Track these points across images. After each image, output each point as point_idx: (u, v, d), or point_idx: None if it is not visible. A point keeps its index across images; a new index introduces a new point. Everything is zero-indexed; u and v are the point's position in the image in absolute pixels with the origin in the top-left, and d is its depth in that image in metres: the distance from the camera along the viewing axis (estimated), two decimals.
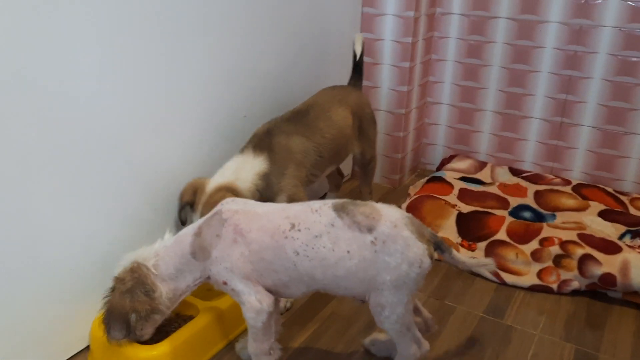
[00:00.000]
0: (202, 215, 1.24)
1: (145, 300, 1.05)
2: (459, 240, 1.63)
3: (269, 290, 1.07)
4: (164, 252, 1.08)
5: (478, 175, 2.01)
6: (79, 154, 1.11)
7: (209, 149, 1.44)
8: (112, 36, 1.11)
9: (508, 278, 1.52)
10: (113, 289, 1.08)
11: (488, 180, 1.99)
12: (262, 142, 1.37)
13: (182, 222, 1.34)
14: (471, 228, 1.66)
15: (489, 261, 1.13)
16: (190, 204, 1.32)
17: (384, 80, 1.97)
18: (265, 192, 1.33)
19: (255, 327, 1.06)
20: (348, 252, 1.02)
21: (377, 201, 1.06)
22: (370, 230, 1.02)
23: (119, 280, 1.07)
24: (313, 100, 1.54)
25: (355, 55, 1.70)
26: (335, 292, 1.07)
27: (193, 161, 1.41)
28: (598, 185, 1.92)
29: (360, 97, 1.66)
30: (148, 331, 1.11)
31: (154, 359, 1.12)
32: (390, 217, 1.03)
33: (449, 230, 1.66)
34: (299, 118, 1.45)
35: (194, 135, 1.39)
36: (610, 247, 1.51)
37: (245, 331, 1.26)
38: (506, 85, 2.01)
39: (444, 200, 1.78)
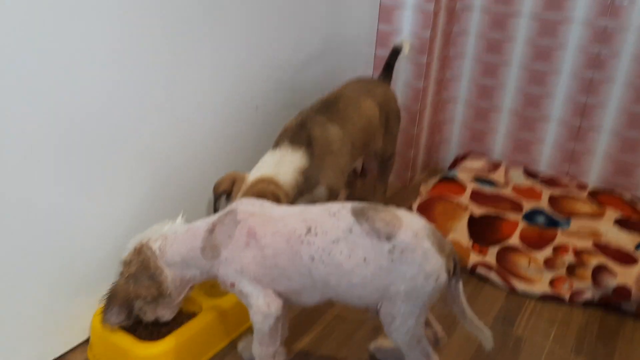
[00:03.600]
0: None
1: (151, 285, 1.03)
2: (470, 244, 1.59)
3: (279, 295, 1.03)
4: (173, 238, 1.06)
5: (492, 176, 1.97)
6: (88, 146, 1.08)
7: (224, 139, 1.41)
8: (125, 25, 1.08)
9: (519, 285, 1.48)
10: (121, 273, 1.05)
11: (501, 181, 1.95)
12: (298, 135, 1.34)
13: (216, 211, 1.30)
14: (483, 232, 1.62)
15: (488, 333, 1.07)
16: (227, 194, 1.29)
17: (400, 75, 1.92)
18: (304, 186, 1.31)
19: (262, 330, 1.03)
20: (364, 259, 0.98)
21: (387, 199, 1.01)
22: (389, 238, 0.98)
23: (125, 263, 1.04)
24: (340, 91, 1.51)
25: (393, 54, 1.68)
26: (347, 300, 1.03)
27: (208, 152, 1.38)
28: (614, 192, 1.87)
29: (387, 91, 1.63)
30: (164, 313, 1.08)
31: (156, 356, 1.09)
32: (412, 226, 0.99)
33: (460, 233, 1.62)
34: (328, 107, 1.42)
35: (209, 126, 1.36)
36: (626, 258, 1.47)
37: (247, 330, 1.24)
38: (525, 85, 1.96)
39: (456, 202, 1.74)
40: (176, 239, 1.05)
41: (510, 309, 1.43)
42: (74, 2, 0.98)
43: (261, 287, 1.02)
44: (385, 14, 1.90)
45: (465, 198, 1.79)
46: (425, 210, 1.69)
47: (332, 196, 1.38)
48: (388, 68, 1.70)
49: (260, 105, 1.51)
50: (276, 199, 1.22)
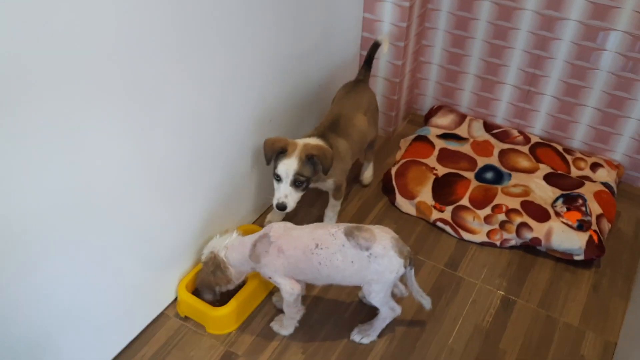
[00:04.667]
0: (299, 156, 1.70)
1: (223, 277, 1.65)
2: (433, 203, 2.17)
3: (298, 281, 1.65)
4: (232, 248, 1.65)
5: (457, 131, 2.48)
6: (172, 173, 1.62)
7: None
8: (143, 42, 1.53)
9: (465, 235, 2.09)
10: (201, 269, 1.67)
11: (465, 135, 2.46)
12: (323, 136, 1.83)
13: (267, 161, 1.75)
14: (443, 193, 2.19)
15: (428, 300, 1.68)
16: (283, 151, 1.71)
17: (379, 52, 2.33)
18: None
19: (290, 302, 1.67)
20: (352, 262, 1.57)
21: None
22: (367, 248, 1.56)
23: (205, 264, 1.65)
24: (338, 110, 1.96)
25: (372, 48, 2.09)
26: (342, 284, 1.65)
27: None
28: (552, 143, 2.39)
29: (370, 95, 2.09)
30: (230, 288, 1.71)
31: (223, 316, 1.74)
32: (382, 241, 1.56)
33: (425, 195, 2.19)
34: (335, 125, 1.90)
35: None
36: (542, 215, 2.05)
37: (275, 288, 1.88)
38: (486, 56, 2.38)
39: (425, 164, 2.29)
40: (234, 249, 1.64)
41: (457, 255, 2.05)
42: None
43: (287, 278, 1.64)
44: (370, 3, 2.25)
45: (432, 159, 2.32)
46: (400, 175, 2.24)
47: (337, 187, 1.93)
48: (368, 60, 2.13)
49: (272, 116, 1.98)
50: (329, 151, 1.72)
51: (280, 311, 1.81)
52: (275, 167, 1.74)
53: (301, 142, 1.76)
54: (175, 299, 1.85)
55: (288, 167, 1.71)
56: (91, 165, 1.32)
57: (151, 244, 1.64)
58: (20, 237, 1.23)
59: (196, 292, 1.79)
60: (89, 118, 1.27)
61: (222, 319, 1.74)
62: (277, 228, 1.64)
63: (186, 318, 1.80)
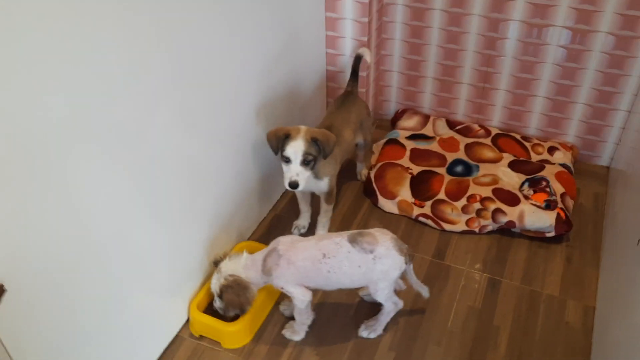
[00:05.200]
0: (305, 138, 1.82)
1: (250, 296, 1.73)
2: (413, 200, 2.33)
3: (308, 288, 1.76)
4: (248, 269, 1.73)
5: (423, 131, 2.65)
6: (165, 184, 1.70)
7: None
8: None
9: (446, 226, 2.26)
10: (220, 294, 1.73)
11: (431, 134, 2.64)
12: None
13: (275, 150, 1.87)
14: (421, 190, 2.35)
15: (426, 289, 1.83)
16: (287, 136, 1.83)
17: (347, 50, 2.48)
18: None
19: (301, 309, 1.78)
20: (359, 266, 1.70)
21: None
22: (371, 251, 1.69)
23: (228, 287, 1.70)
24: (330, 122, 2.10)
25: (356, 61, 2.24)
26: (349, 286, 1.78)
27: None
28: (510, 133, 2.60)
29: (360, 106, 2.25)
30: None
31: (236, 331, 1.83)
32: (384, 242, 1.70)
33: (405, 194, 2.35)
34: None
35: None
36: (513, 200, 2.24)
37: (282, 296, 1.98)
38: (442, 59, 2.57)
39: (400, 165, 2.45)
40: (249, 268, 1.73)
41: (441, 246, 2.21)
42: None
43: (298, 286, 1.75)
44: (331, 3, 2.38)
45: (406, 160, 2.49)
46: (380, 177, 2.40)
47: (329, 189, 2.07)
48: (354, 73, 2.27)
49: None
50: (332, 136, 1.88)
51: (289, 319, 1.92)
52: (283, 151, 1.85)
53: (303, 127, 1.89)
54: (187, 319, 1.92)
55: (296, 148, 1.83)
56: (91, 202, 1.36)
57: (156, 271, 1.71)
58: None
59: (207, 311, 1.88)
60: (82, 159, 1.32)
61: (237, 333, 1.83)
62: (284, 242, 1.75)
63: (201, 337, 1.88)
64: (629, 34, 2.20)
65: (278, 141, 1.87)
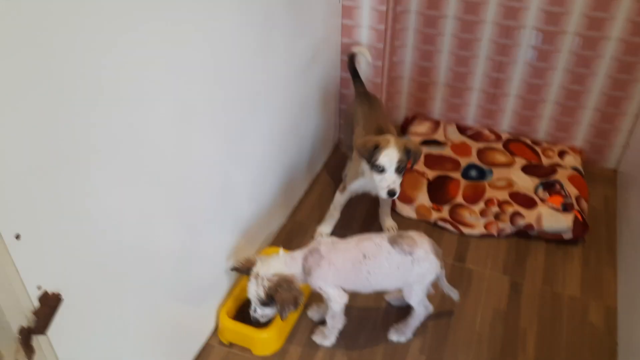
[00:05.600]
0: (397, 146, 1.83)
1: (298, 288, 1.69)
2: (431, 204, 2.35)
3: (345, 291, 1.76)
4: (289, 266, 1.71)
5: (435, 136, 2.68)
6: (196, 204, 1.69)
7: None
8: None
9: (465, 230, 2.28)
10: (269, 295, 1.67)
11: (442, 139, 2.67)
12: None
13: (368, 160, 1.88)
14: (438, 195, 2.38)
15: (456, 292, 1.85)
16: (376, 147, 1.85)
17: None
18: None
19: (336, 311, 1.77)
20: (398, 267, 1.71)
21: None
22: (411, 253, 1.70)
23: (276, 286, 1.65)
24: (375, 123, 2.09)
25: (351, 62, 2.26)
26: (386, 288, 1.79)
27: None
28: (520, 138, 2.65)
29: (382, 105, 2.24)
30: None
31: (267, 338, 1.82)
32: (423, 245, 1.71)
33: (423, 198, 2.37)
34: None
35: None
36: (530, 203, 2.28)
37: (310, 301, 1.98)
38: (454, 65, 2.60)
39: (415, 170, 2.47)
40: (291, 265, 1.71)
41: (461, 249, 2.24)
42: None
43: (336, 288, 1.75)
44: (348, 11, 2.40)
45: (421, 165, 2.51)
46: None
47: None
48: (355, 73, 2.29)
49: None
50: (420, 147, 1.91)
51: (318, 324, 1.92)
52: (375, 160, 1.85)
53: (390, 137, 1.89)
54: (216, 327, 1.91)
55: (391, 157, 1.84)
56: (117, 209, 1.32)
57: (184, 278, 1.68)
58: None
59: (236, 318, 1.86)
60: (98, 161, 1.33)
61: (268, 340, 1.83)
62: (326, 243, 1.75)
63: (231, 344, 1.87)
64: (638, 40, 2.26)
65: (368, 152, 1.87)
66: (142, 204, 1.38)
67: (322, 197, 2.47)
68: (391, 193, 1.86)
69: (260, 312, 1.74)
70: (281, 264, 1.72)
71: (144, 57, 1.25)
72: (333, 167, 2.64)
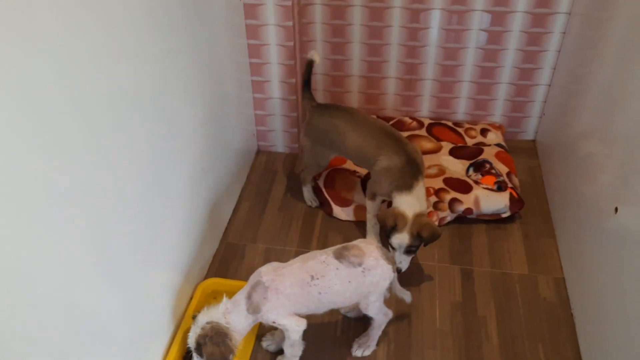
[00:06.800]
0: (410, 232, 1.85)
1: (232, 344, 1.54)
2: None
3: (301, 316, 1.62)
4: (229, 313, 1.55)
5: None
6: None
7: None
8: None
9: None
10: (198, 346, 1.53)
11: None
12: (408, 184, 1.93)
13: (388, 236, 1.89)
14: None
15: (408, 294, 1.77)
16: (394, 227, 1.86)
17: (273, 57, 2.36)
18: None
19: (295, 339, 1.63)
20: (349, 282, 1.59)
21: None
22: (360, 264, 1.59)
23: (204, 336, 1.50)
24: (373, 127, 2.05)
25: (308, 68, 2.09)
26: (342, 305, 1.66)
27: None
28: (442, 122, 2.62)
29: (355, 112, 2.13)
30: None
31: None
32: (371, 252, 1.60)
33: (359, 198, 2.27)
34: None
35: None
36: (465, 187, 2.25)
37: (262, 331, 1.82)
38: (366, 56, 2.52)
39: (346, 170, 2.37)
40: (231, 312, 1.55)
41: None
42: None
43: (291, 316, 1.60)
44: (250, 11, 2.23)
45: (349, 163, 2.41)
46: (330, 187, 2.30)
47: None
48: (307, 83, 2.11)
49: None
50: (437, 230, 1.87)
51: (275, 354, 1.77)
52: (389, 238, 1.90)
53: (410, 214, 1.87)
54: None
55: (401, 241, 1.87)
56: (32, 262, 1.13)
57: (116, 334, 1.47)
58: None
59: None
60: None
61: None
62: (267, 272, 1.59)
63: None
64: (543, 11, 2.29)
65: (386, 228, 1.90)
66: (54, 252, 1.16)
67: (251, 212, 2.31)
68: (398, 271, 1.90)
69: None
70: (220, 312, 1.55)
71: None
72: (257, 178, 2.48)
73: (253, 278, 1.61)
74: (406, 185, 1.91)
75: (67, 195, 1.17)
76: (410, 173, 1.92)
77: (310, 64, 2.10)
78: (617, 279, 1.58)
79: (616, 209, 1.61)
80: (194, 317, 1.59)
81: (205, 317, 1.55)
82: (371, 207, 2.08)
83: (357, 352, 1.78)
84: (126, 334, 1.51)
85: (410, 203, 1.89)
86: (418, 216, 1.88)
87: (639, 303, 1.44)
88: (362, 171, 2.38)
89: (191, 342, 1.57)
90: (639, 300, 1.44)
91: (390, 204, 1.98)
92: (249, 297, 1.57)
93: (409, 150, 1.96)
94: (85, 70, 1.19)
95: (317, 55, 2.10)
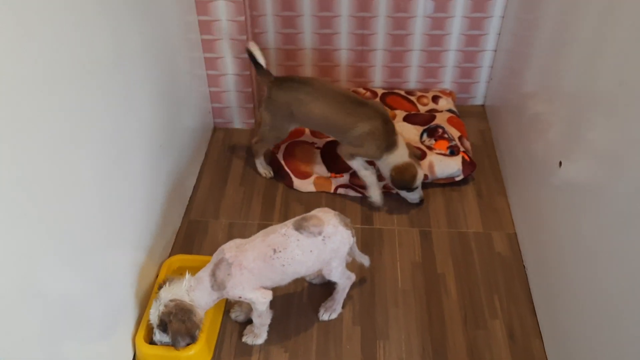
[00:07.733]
0: (410, 149, 2.09)
1: (196, 320, 1.58)
2: (329, 174, 2.30)
3: (267, 288, 1.66)
4: (192, 291, 1.59)
5: None
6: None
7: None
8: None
9: (366, 192, 2.27)
10: (162, 323, 1.56)
11: None
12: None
13: (408, 187, 2.14)
14: (334, 163, 2.33)
15: (366, 258, 1.84)
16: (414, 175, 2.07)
17: (225, 33, 2.35)
18: None
19: (262, 311, 1.67)
20: (311, 251, 1.64)
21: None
22: (320, 233, 1.63)
23: (169, 313, 1.54)
24: (343, 93, 2.13)
25: (250, 56, 2.09)
26: (306, 274, 1.71)
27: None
28: (394, 90, 2.68)
29: (315, 82, 2.16)
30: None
31: (197, 353, 1.67)
32: (329, 220, 1.65)
33: (319, 169, 2.31)
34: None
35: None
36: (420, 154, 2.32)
37: (230, 303, 1.86)
38: (318, 28, 2.54)
39: (304, 142, 2.40)
40: (195, 289, 1.58)
41: (367, 212, 2.23)
42: None
43: (256, 290, 1.64)
44: (202, 6, 2.24)
45: (308, 134, 2.44)
46: (289, 160, 2.33)
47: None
48: (258, 65, 2.09)
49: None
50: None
51: (245, 324, 1.81)
52: (415, 186, 2.14)
53: (414, 159, 2.12)
54: (134, 356, 1.72)
55: (420, 176, 2.13)
56: None
57: (87, 314, 1.48)
58: None
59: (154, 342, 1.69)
60: None
61: (197, 356, 1.68)
62: (229, 248, 1.63)
63: None
64: None
65: (408, 183, 2.12)
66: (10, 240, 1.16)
67: (212, 188, 2.32)
68: (422, 201, 2.21)
69: (159, 337, 1.62)
70: (183, 289, 1.58)
71: None
72: (216, 155, 2.49)
73: (216, 256, 1.64)
74: (392, 143, 2.05)
75: (17, 183, 1.15)
76: (390, 131, 2.05)
77: (250, 53, 2.10)
78: (563, 230, 1.68)
79: (560, 163, 1.70)
80: (159, 288, 1.61)
81: (169, 294, 1.57)
82: (356, 164, 2.14)
83: (324, 316, 1.84)
84: (98, 314, 1.52)
85: (402, 154, 2.07)
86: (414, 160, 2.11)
87: (584, 252, 1.53)
88: (321, 142, 2.42)
89: (154, 319, 1.59)
90: (584, 249, 1.53)
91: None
92: (213, 274, 1.60)
93: (380, 110, 2.06)
94: (38, 48, 1.18)
95: (254, 45, 2.10)
